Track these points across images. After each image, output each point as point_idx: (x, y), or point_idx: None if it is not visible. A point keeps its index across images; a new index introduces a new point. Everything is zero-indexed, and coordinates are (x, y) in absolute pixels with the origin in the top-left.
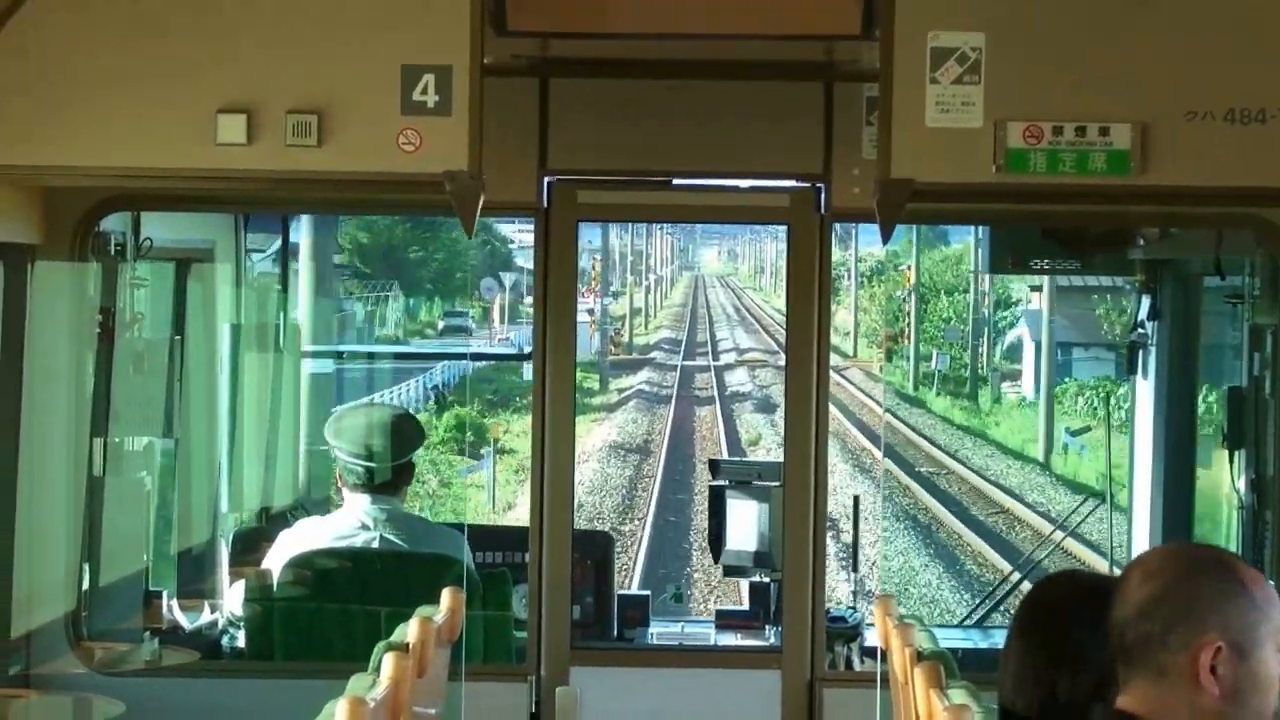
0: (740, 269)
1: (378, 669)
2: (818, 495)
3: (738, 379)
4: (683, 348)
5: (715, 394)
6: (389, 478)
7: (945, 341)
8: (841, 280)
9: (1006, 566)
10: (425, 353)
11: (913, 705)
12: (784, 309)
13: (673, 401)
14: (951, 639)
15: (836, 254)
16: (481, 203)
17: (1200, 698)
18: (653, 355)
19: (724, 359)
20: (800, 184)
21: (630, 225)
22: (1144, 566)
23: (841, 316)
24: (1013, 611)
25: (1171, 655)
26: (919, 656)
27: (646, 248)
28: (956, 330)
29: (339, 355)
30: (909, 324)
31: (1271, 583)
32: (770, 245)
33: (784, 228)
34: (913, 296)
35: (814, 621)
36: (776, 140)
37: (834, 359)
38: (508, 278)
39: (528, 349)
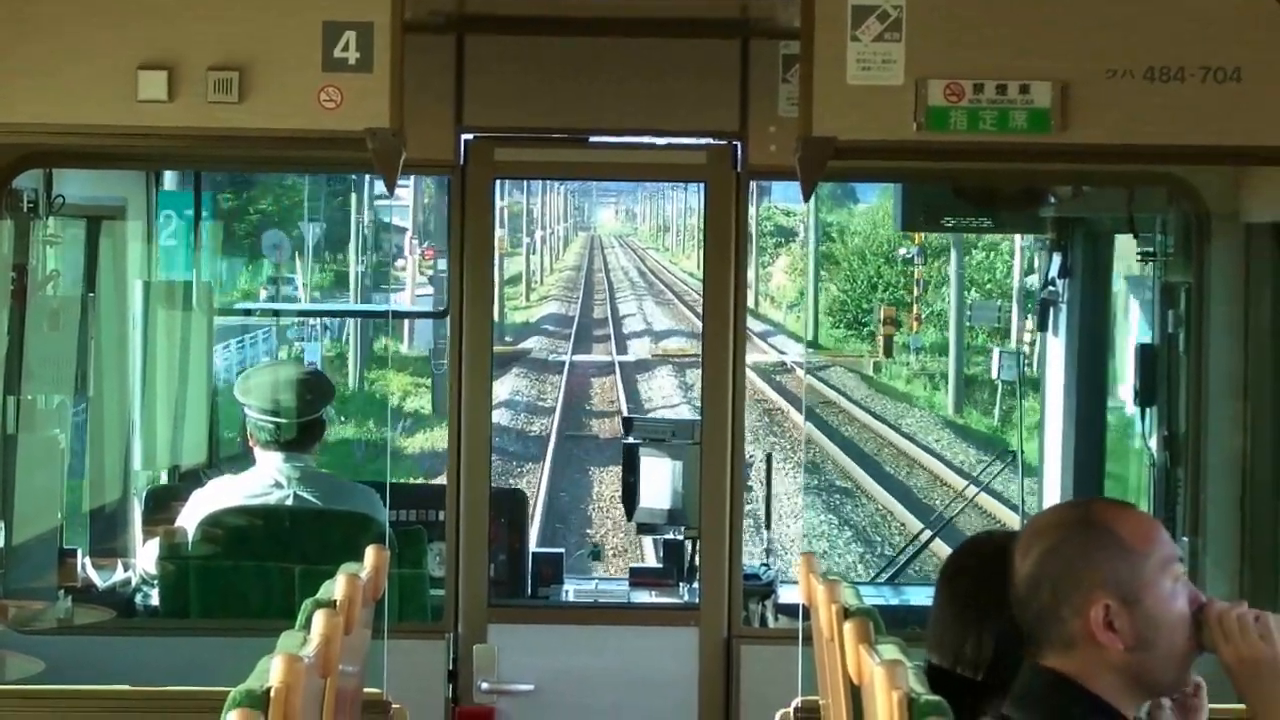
0: (640, 229)
1: (305, 626)
2: (734, 453)
3: (659, 387)
4: (574, 330)
5: (624, 414)
6: (300, 435)
7: (974, 326)
8: (773, 243)
9: (918, 525)
10: (340, 310)
11: (839, 662)
12: (696, 273)
13: (549, 448)
14: (866, 597)
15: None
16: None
17: (1109, 655)
18: (528, 346)
19: (633, 348)
20: (717, 141)
21: (522, 182)
22: (1023, 544)
23: (779, 282)
24: (923, 569)
25: (1068, 625)
26: (845, 613)
27: (537, 204)
28: (990, 308)
29: (248, 313)
30: (918, 300)
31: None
32: (673, 204)
33: (687, 186)
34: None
35: (731, 579)
36: (693, 97)
37: (791, 349)
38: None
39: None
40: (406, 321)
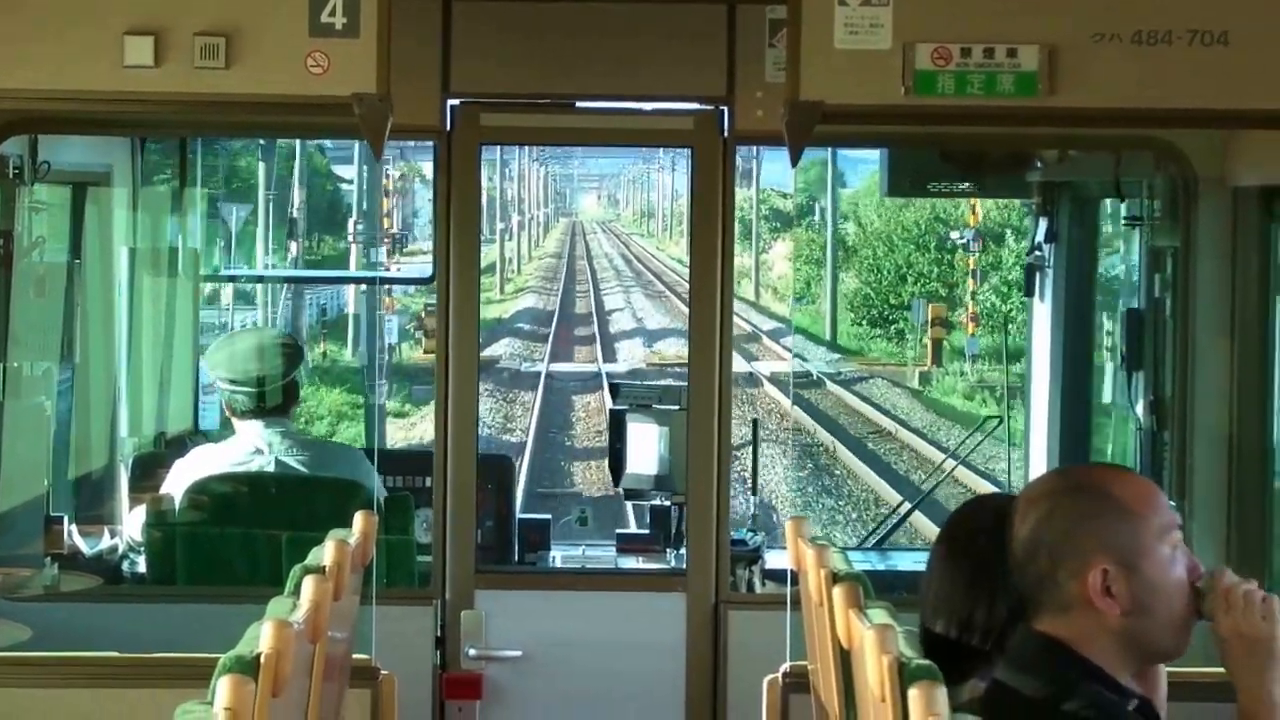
0: (623, 214)
1: (294, 592)
2: (721, 419)
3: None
4: (552, 331)
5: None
6: (277, 400)
7: None
8: (770, 229)
9: (896, 497)
10: (326, 276)
11: (828, 627)
12: (685, 260)
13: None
14: (854, 562)
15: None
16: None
17: (1106, 620)
18: (496, 354)
19: (623, 352)
20: (704, 106)
21: (499, 165)
22: (1021, 507)
23: (782, 272)
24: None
25: (1065, 589)
26: (834, 578)
27: (513, 189)
28: None
29: (231, 279)
30: (973, 295)
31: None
32: (658, 189)
33: (674, 169)
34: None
35: (718, 545)
36: (680, 63)
37: (811, 353)
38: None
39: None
40: (350, 324)
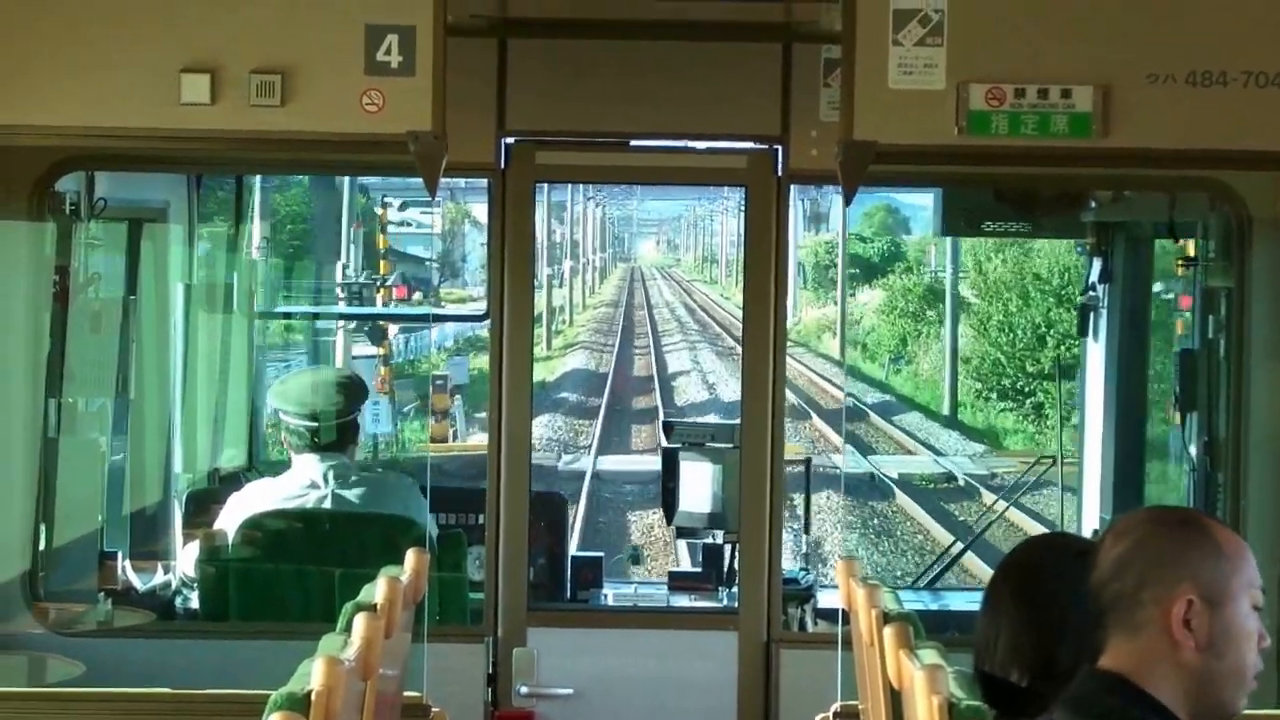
0: (684, 259)
1: (346, 629)
2: (774, 457)
3: None
4: (604, 404)
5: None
6: (334, 437)
7: None
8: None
9: (945, 535)
10: (382, 314)
11: (879, 667)
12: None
13: None
14: (905, 602)
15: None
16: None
17: (1177, 652)
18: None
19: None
20: (758, 145)
21: (549, 205)
22: (1116, 528)
23: (871, 324)
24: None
25: (1145, 611)
26: (885, 618)
27: (569, 232)
28: None
29: (288, 316)
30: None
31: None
32: (722, 232)
33: (731, 210)
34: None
35: (770, 583)
36: (734, 101)
37: (942, 441)
38: None
39: None
40: None
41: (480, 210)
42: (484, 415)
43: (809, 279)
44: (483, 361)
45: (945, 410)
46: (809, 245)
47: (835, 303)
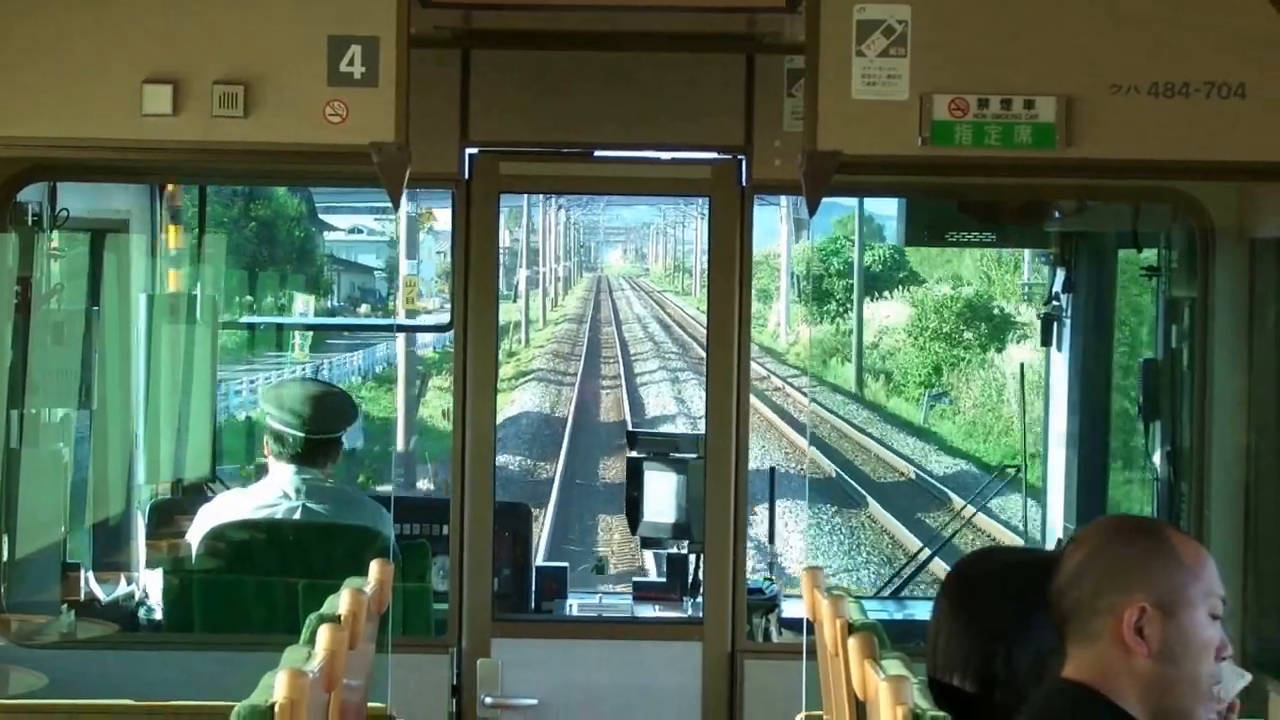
0: (653, 268)
1: (310, 641)
2: (739, 468)
3: None
4: (558, 471)
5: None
6: (313, 451)
7: None
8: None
9: (915, 542)
10: (345, 324)
11: (844, 677)
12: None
13: None
14: (870, 612)
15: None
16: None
17: (1131, 659)
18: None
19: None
20: (722, 156)
21: (521, 218)
22: (1078, 540)
23: (892, 344)
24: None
25: (1100, 619)
26: (850, 628)
27: (524, 239)
28: None
29: (250, 326)
30: None
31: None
32: (695, 240)
33: (701, 220)
34: None
35: (735, 593)
36: (698, 112)
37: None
38: None
39: None
40: None
41: (442, 214)
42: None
43: (803, 292)
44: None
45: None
46: (801, 254)
47: (835, 318)
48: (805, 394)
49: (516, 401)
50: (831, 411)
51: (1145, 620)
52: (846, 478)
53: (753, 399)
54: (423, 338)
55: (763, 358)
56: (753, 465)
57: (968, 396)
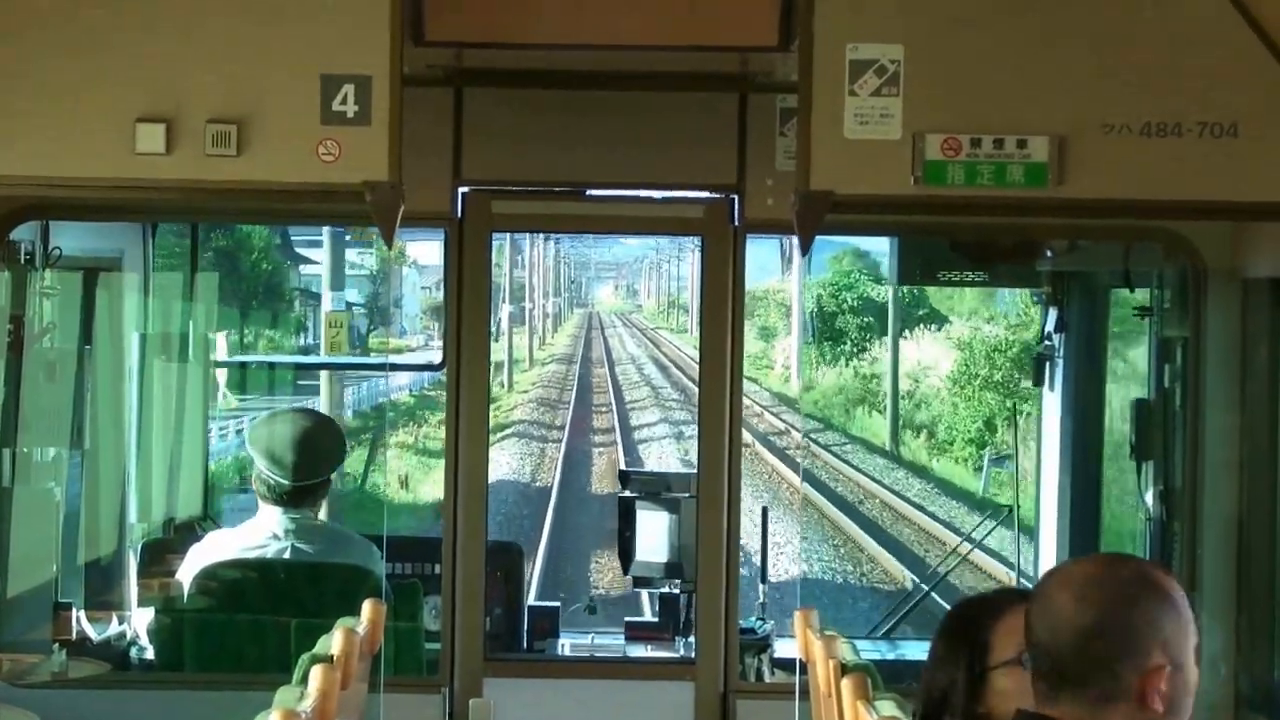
0: (645, 304)
1: (302, 681)
2: (731, 507)
3: None
4: (538, 565)
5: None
6: (302, 493)
7: None
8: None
9: (911, 580)
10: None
11: (836, 717)
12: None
13: None
14: (863, 651)
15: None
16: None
17: (1146, 714)
18: None
19: None
20: (714, 195)
21: (506, 251)
22: (1074, 588)
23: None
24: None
25: (1120, 682)
26: (843, 669)
27: (508, 273)
28: None
29: (243, 366)
30: None
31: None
32: (690, 276)
33: (687, 257)
34: None
35: (727, 633)
36: (691, 151)
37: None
38: None
39: None
40: None
41: (421, 250)
42: None
43: (815, 332)
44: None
45: None
46: (811, 288)
47: (849, 360)
48: (815, 440)
49: (493, 462)
50: (869, 475)
51: (1164, 678)
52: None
53: (777, 464)
54: (396, 380)
55: (777, 408)
56: (781, 574)
57: (1029, 458)
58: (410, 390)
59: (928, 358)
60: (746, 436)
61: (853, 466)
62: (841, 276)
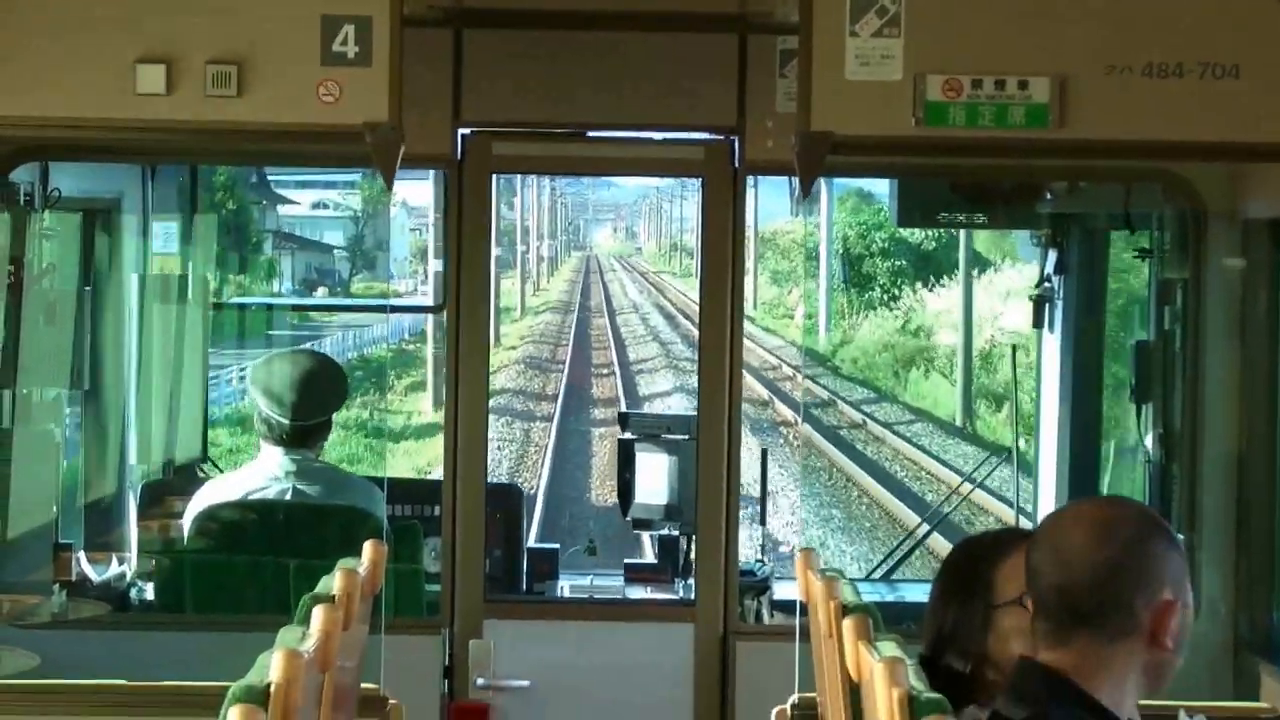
0: (645, 246)
1: (304, 621)
2: (731, 449)
3: None
4: None
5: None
6: (304, 434)
7: None
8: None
9: (913, 520)
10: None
11: (837, 659)
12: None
13: None
14: (864, 593)
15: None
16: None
17: (1154, 651)
18: None
19: None
20: (714, 136)
21: (498, 191)
22: (1088, 526)
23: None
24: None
25: (1134, 618)
26: (844, 610)
27: (518, 216)
28: None
29: (241, 307)
30: None
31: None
32: (694, 214)
33: (690, 197)
34: None
35: (727, 575)
36: (691, 93)
37: None
38: None
39: None
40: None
41: (413, 190)
42: None
43: (846, 276)
44: None
45: None
46: (840, 225)
47: (878, 309)
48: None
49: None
50: (941, 464)
51: (1171, 613)
52: None
53: (828, 448)
54: (372, 333)
55: (812, 368)
56: None
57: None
58: (388, 343)
59: (983, 309)
60: (788, 414)
61: (933, 456)
62: (872, 215)
